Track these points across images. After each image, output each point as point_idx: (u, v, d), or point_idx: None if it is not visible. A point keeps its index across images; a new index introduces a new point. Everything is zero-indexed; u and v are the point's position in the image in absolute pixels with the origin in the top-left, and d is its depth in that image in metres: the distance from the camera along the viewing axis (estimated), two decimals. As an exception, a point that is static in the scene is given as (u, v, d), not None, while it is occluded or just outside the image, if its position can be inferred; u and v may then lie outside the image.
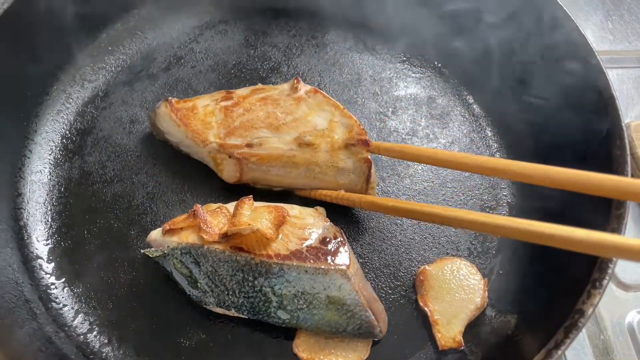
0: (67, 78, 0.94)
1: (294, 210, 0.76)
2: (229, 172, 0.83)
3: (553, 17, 0.90)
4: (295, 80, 0.85)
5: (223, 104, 0.84)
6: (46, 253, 0.79)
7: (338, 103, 0.83)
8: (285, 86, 0.86)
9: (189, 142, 0.83)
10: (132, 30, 1.01)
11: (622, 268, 0.89)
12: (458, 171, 0.89)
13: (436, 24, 1.02)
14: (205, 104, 0.85)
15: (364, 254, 0.82)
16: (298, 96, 0.84)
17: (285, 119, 0.82)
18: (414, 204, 0.70)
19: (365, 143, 0.79)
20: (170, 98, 0.85)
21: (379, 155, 0.89)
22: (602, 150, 0.77)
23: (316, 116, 0.82)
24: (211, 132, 0.82)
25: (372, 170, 0.81)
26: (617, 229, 0.66)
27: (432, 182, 0.88)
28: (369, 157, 0.79)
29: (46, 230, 0.81)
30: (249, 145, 0.80)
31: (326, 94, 0.84)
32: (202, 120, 0.83)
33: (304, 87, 0.85)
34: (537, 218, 0.80)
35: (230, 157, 0.81)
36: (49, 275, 0.77)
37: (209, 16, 1.05)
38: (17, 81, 0.86)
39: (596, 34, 1.26)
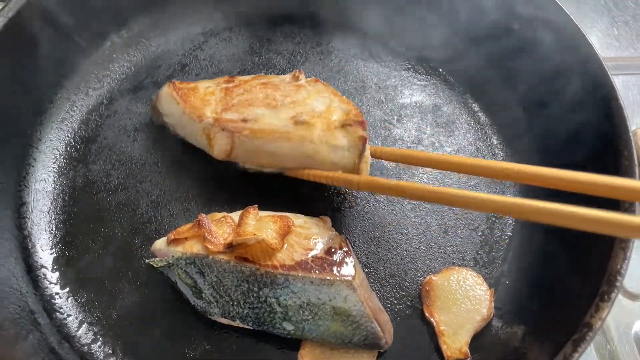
0: (71, 86, 0.94)
1: (299, 219, 0.76)
2: (219, 146, 0.82)
3: (558, 24, 0.89)
4: (297, 71, 0.86)
5: (224, 85, 0.86)
6: (50, 262, 0.79)
7: (337, 91, 0.83)
8: (287, 76, 0.87)
9: (186, 119, 0.84)
10: (136, 38, 1.00)
11: (629, 277, 0.88)
12: (464, 182, 0.88)
13: (441, 32, 1.02)
14: (207, 86, 0.87)
15: (369, 264, 0.81)
16: (299, 84, 0.84)
17: (283, 101, 0.82)
18: (416, 185, 0.69)
19: (362, 123, 0.79)
20: (173, 80, 0.87)
21: (384, 165, 0.89)
22: (610, 159, 0.77)
23: (315, 100, 0.82)
24: (209, 108, 0.83)
25: (367, 146, 0.79)
26: (626, 247, 0.66)
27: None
28: (365, 135, 0.78)
29: (50, 239, 0.81)
30: (244, 121, 0.80)
31: (326, 83, 0.85)
32: (202, 99, 0.84)
33: (304, 78, 0.86)
34: (544, 232, 0.82)
35: (223, 129, 0.81)
36: (53, 285, 0.77)
37: (213, 23, 1.04)
38: (21, 89, 0.86)
39: (601, 41, 1.25)
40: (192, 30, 1.03)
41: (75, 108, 0.93)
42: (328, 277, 0.68)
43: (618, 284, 0.63)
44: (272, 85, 0.84)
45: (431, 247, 0.83)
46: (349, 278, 0.68)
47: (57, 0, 0.88)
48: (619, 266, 0.64)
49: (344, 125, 0.79)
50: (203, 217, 0.73)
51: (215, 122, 0.81)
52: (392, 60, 1.03)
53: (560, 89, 0.89)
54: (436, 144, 0.93)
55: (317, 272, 0.69)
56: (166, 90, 0.86)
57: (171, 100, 0.85)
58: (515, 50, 0.95)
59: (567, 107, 0.87)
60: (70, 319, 0.75)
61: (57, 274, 0.78)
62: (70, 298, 0.76)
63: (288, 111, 0.81)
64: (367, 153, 0.80)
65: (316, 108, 0.81)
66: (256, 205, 0.74)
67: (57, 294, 0.76)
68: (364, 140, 0.78)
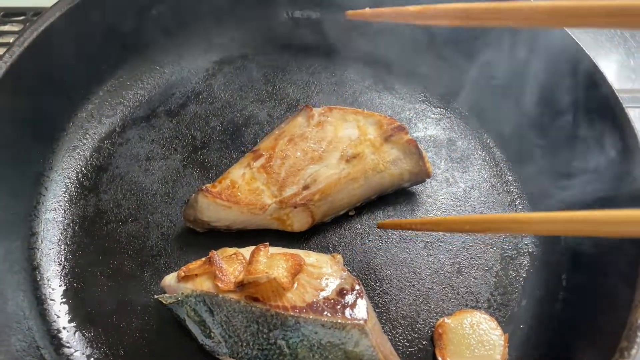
0: (84, 113, 0.94)
1: (310, 257, 0.75)
2: (300, 222, 0.82)
3: (574, 59, 0.89)
4: (307, 108, 0.86)
5: (257, 164, 0.82)
6: (59, 295, 0.78)
7: (354, 108, 0.86)
8: (300, 119, 0.86)
9: (246, 216, 0.80)
10: (150, 65, 1.01)
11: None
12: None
13: (456, 65, 1.01)
14: (241, 173, 0.82)
15: (381, 304, 0.80)
16: (318, 121, 0.85)
17: (321, 147, 0.83)
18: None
19: (401, 128, 0.83)
20: (204, 187, 0.80)
21: (397, 200, 0.88)
22: (627, 200, 0.75)
23: (344, 130, 0.84)
24: (264, 195, 0.80)
25: (420, 147, 0.84)
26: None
27: (452, 233, 0.86)
28: (409, 136, 0.82)
29: (59, 270, 0.80)
30: (305, 188, 0.80)
31: (339, 106, 0.87)
32: (249, 190, 0.81)
33: (316, 111, 0.86)
34: (560, 275, 0.80)
35: (295, 207, 0.80)
36: (60, 319, 0.76)
37: (228, 52, 1.05)
38: (34, 117, 0.86)
39: (618, 73, 1.24)
40: (206, 58, 1.03)
41: (88, 136, 0.93)
42: (340, 321, 0.67)
43: (638, 339, 0.61)
44: (299, 139, 0.84)
45: (444, 288, 0.81)
46: (362, 322, 0.67)
47: (71, 28, 0.88)
48: (639, 321, 0.62)
49: (386, 139, 0.83)
50: (214, 254, 0.72)
51: (281, 204, 0.80)
52: (407, 92, 1.02)
53: (576, 126, 0.87)
54: (450, 180, 0.92)
55: (328, 314, 0.67)
56: (204, 200, 0.80)
57: (218, 207, 0.80)
58: (530, 87, 0.94)
59: (583, 145, 0.86)
60: (76, 354, 0.74)
61: (65, 307, 0.77)
62: (78, 332, 0.75)
63: (333, 154, 0.82)
64: (424, 153, 0.85)
65: (352, 136, 0.83)
66: (267, 243, 0.73)
67: (64, 328, 0.75)
68: (413, 142, 0.83)
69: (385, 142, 0.83)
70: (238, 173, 0.83)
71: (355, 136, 0.83)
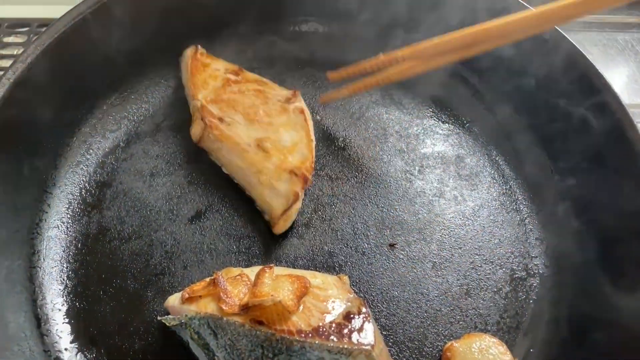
0: (88, 128, 0.93)
1: (316, 279, 0.73)
2: (195, 130, 0.89)
3: (584, 75, 0.87)
4: (294, 93, 0.91)
5: (228, 75, 0.93)
6: (61, 315, 0.76)
7: (311, 132, 0.87)
8: (284, 92, 0.92)
9: (187, 90, 0.94)
10: (154, 79, 0.99)
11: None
12: (488, 239, 0.85)
13: (465, 80, 1.00)
14: (217, 68, 0.94)
15: (388, 326, 0.78)
16: (286, 107, 0.89)
17: (262, 118, 0.87)
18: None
19: (306, 181, 0.83)
20: (200, 46, 0.95)
21: (405, 219, 0.87)
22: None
23: (287, 133, 0.86)
24: (203, 92, 0.90)
25: (296, 206, 0.82)
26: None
27: (461, 248, 0.85)
28: (300, 194, 0.82)
29: (61, 289, 0.78)
30: (220, 119, 0.86)
31: (308, 119, 0.89)
32: (205, 79, 0.91)
33: (296, 103, 0.89)
34: (570, 292, 0.79)
35: (202, 118, 0.86)
36: (62, 339, 0.75)
37: (234, 65, 1.03)
38: (37, 132, 0.85)
39: (629, 87, 1.22)
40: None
41: (92, 151, 0.91)
42: (346, 346, 0.65)
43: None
44: (263, 97, 0.90)
45: (453, 310, 0.79)
46: (369, 347, 0.65)
47: (76, 43, 0.87)
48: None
49: (291, 172, 0.82)
50: (219, 275, 0.70)
51: (200, 108, 0.87)
52: (415, 107, 1.00)
53: (586, 143, 0.86)
54: (459, 198, 0.90)
55: (334, 339, 0.66)
56: (188, 53, 0.95)
57: (184, 66, 0.95)
58: (540, 102, 0.93)
59: (593, 163, 0.85)
60: (78, 376, 0.73)
61: (67, 327, 0.76)
62: (79, 354, 0.74)
63: (259, 131, 0.86)
64: (292, 212, 0.83)
65: (283, 140, 0.86)
66: (272, 265, 0.72)
67: (66, 349, 0.74)
68: (296, 196, 0.82)
69: (288, 173, 0.82)
70: (218, 65, 0.95)
71: (284, 143, 0.85)
